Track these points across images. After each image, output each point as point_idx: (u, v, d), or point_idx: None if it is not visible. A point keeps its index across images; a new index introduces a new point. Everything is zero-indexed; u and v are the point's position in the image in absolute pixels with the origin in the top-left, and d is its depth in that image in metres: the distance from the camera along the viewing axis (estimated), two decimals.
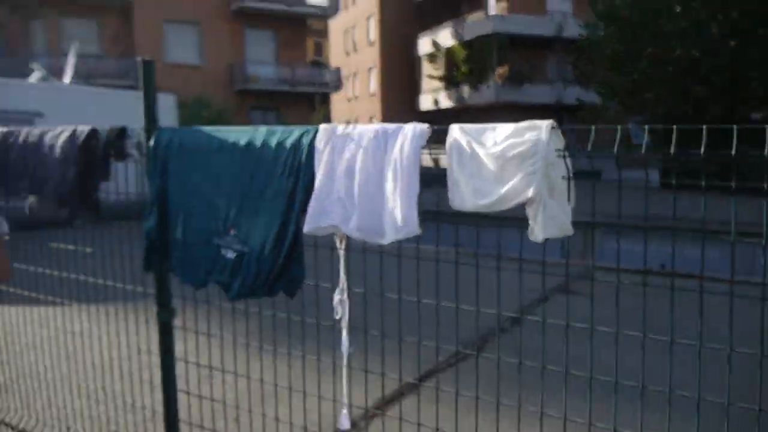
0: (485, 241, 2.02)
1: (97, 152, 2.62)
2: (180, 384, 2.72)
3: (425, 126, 1.89)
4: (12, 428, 3.48)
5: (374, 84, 43.47)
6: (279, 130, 2.19)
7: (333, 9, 33.18)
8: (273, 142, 2.17)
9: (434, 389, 2.20)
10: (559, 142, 1.69)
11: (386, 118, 40.66)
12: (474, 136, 1.78)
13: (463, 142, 1.78)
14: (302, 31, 32.98)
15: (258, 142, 2.20)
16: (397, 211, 1.86)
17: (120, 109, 15.14)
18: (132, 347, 3.04)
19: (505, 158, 1.69)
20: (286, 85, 30.91)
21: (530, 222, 1.66)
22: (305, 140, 2.10)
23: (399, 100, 41.14)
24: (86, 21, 28.57)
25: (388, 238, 1.88)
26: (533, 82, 34.91)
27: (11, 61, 27.80)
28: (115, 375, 3.31)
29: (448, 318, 2.08)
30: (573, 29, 30.86)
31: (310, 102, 32.96)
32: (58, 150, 2.72)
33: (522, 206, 1.68)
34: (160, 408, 2.74)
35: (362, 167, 1.95)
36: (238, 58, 30.13)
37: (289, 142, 2.13)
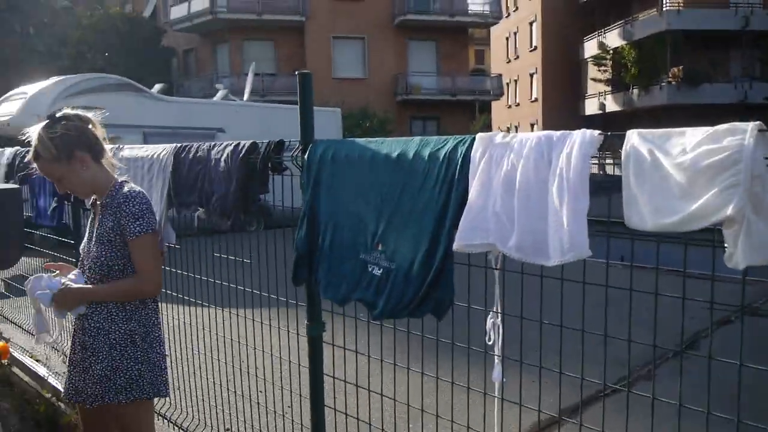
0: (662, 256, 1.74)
1: (256, 166, 2.67)
2: (326, 398, 2.69)
3: (596, 132, 1.66)
4: (177, 426, 3.69)
5: (536, 89, 42.30)
6: (432, 140, 2.06)
7: (495, 16, 32.80)
8: (425, 153, 2.04)
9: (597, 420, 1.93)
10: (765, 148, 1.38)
11: (548, 123, 39.41)
12: (657, 143, 1.51)
13: (644, 151, 1.52)
14: (464, 40, 32.99)
15: (410, 154, 2.09)
16: (564, 230, 1.64)
17: (290, 122, 16.19)
18: (283, 357, 3.06)
19: (695, 169, 1.42)
20: (447, 94, 31.08)
21: (727, 246, 1.37)
22: (460, 150, 1.95)
23: (561, 106, 39.63)
24: (264, 43, 30.84)
25: (554, 260, 1.67)
26: (712, 81, 31.91)
27: (200, 81, 30.86)
28: (267, 382, 3.38)
29: (616, 345, 1.82)
30: (761, 21, 27.83)
31: (471, 110, 32.86)
32: (222, 164, 2.81)
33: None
34: (307, 420, 2.73)
35: (523, 179, 1.75)
36: (401, 69, 30.81)
37: (442, 153, 1.99)
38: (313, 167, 2.42)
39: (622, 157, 1.56)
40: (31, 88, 13.11)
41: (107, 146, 2.68)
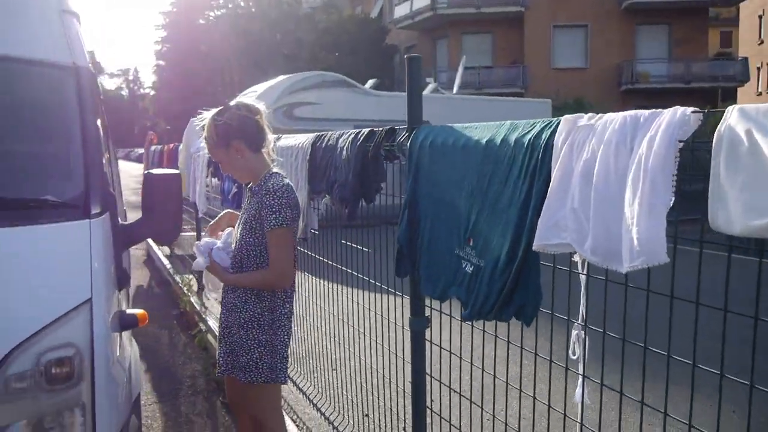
0: None
1: (373, 153, 2.62)
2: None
3: (688, 110, 1.31)
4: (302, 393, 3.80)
5: None
6: (521, 124, 1.82)
7: None
8: (512, 138, 1.81)
9: None
10: None
11: None
12: (760, 121, 1.15)
13: (741, 132, 1.17)
14: (702, 21, 29.59)
15: (498, 140, 1.87)
16: (635, 229, 1.33)
17: (501, 114, 15.95)
18: (386, 350, 2.99)
19: None
20: (679, 81, 28.19)
21: None
22: (544, 135, 1.69)
23: None
24: (482, 35, 30.80)
25: (625, 265, 1.36)
26: None
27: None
28: (373, 370, 3.35)
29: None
30: None
31: (710, 99, 29.40)
32: (344, 153, 2.81)
33: None
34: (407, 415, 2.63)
35: (601, 169, 1.46)
36: (627, 56, 28.65)
37: (527, 139, 1.75)
38: (414, 154, 2.30)
39: (714, 140, 1.21)
40: (260, 87, 14.60)
41: (270, 137, 2.82)
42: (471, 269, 1.96)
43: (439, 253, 2.14)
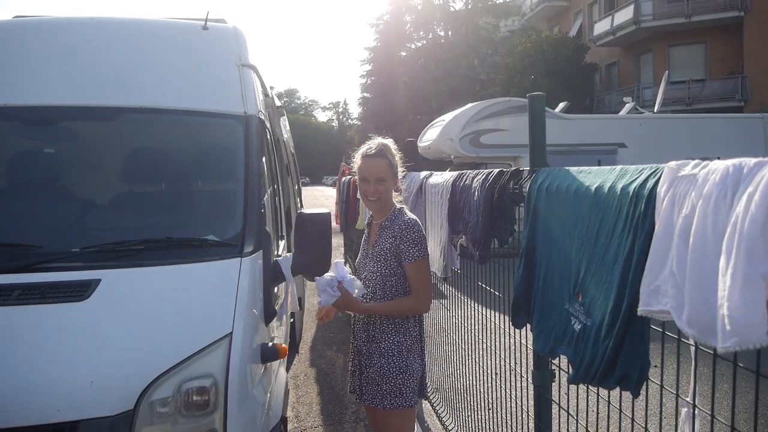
0: None
1: (498, 196, 2.53)
2: None
3: None
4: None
5: None
6: (630, 171, 1.63)
7: None
8: (619, 186, 1.63)
9: None
10: None
11: None
12: None
13: None
14: None
15: (606, 188, 1.69)
16: (726, 304, 1.12)
17: (707, 135, 14.45)
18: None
19: None
20: None
21: None
22: (649, 184, 1.50)
23: None
24: (693, 47, 28.32)
25: (721, 343, 1.15)
26: None
27: (621, 94, 30.08)
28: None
29: None
30: None
31: None
32: (476, 194, 2.75)
33: None
34: None
35: (699, 227, 1.25)
36: None
37: (632, 188, 1.56)
38: (532, 199, 2.17)
39: None
40: (448, 116, 14.86)
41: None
42: (579, 327, 1.79)
43: (551, 307, 2.00)
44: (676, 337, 1.53)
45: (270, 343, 2.91)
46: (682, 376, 1.54)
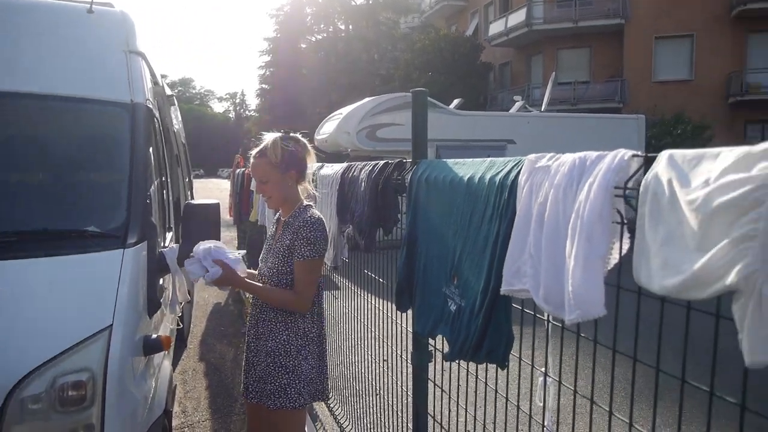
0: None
1: (383, 187, 2.62)
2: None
3: (628, 154, 1.22)
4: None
5: None
6: (497, 163, 1.76)
7: None
8: (487, 177, 1.76)
9: None
10: None
11: None
12: (681, 170, 1.05)
13: (663, 180, 1.07)
14: None
15: (476, 178, 1.82)
16: (570, 281, 1.25)
17: (587, 133, 15.41)
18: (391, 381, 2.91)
19: (707, 210, 0.95)
20: None
21: (738, 328, 0.89)
22: (512, 175, 1.63)
23: None
24: (579, 50, 29.96)
25: (567, 316, 1.28)
26: None
27: (513, 93, 31.36)
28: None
29: None
30: None
31: None
32: (362, 184, 2.83)
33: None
34: None
35: (551, 214, 1.38)
36: (736, 67, 26.87)
37: (498, 178, 1.69)
38: (413, 189, 2.27)
39: (641, 189, 1.12)
40: (345, 110, 14.94)
41: (311, 173, 2.98)
42: (454, 308, 1.91)
43: (430, 290, 2.11)
44: (532, 313, 1.66)
45: (153, 336, 2.85)
46: (543, 349, 1.67)
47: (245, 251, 3.01)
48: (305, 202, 2.90)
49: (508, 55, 33.21)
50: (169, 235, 4.18)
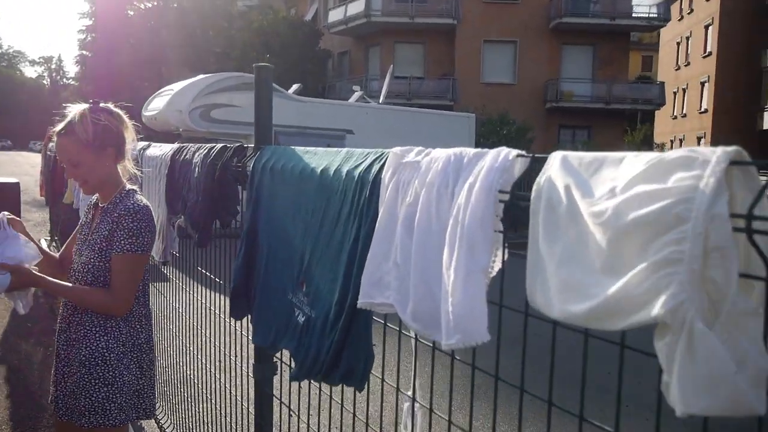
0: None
1: (220, 174, 2.31)
2: None
3: (513, 153, 1.08)
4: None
5: (706, 100, 38.25)
6: (356, 154, 1.56)
7: (662, 19, 30.12)
8: (344, 170, 1.55)
9: None
10: (745, 198, 0.75)
11: (717, 138, 35.53)
12: (579, 176, 0.92)
13: (560, 187, 0.93)
14: (624, 46, 30.66)
15: (331, 170, 1.60)
16: (450, 300, 1.09)
17: (424, 126, 15.89)
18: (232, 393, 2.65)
19: (621, 225, 0.82)
20: (601, 102, 29.08)
21: (663, 369, 0.77)
22: (374, 169, 1.43)
23: (735, 118, 35.47)
24: (415, 46, 30.87)
25: (445, 340, 1.11)
26: None
27: (351, 83, 31.60)
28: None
29: None
30: None
31: (630, 120, 30.48)
32: (196, 170, 2.49)
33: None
34: None
35: (422, 217, 1.21)
36: (553, 75, 29.35)
37: (357, 172, 1.49)
38: (255, 179, 2.00)
39: (532, 195, 0.98)
40: (177, 85, 13.97)
41: (129, 148, 2.53)
42: (303, 319, 1.68)
43: (273, 296, 1.85)
44: (397, 329, 1.48)
45: None
46: (408, 370, 1.51)
47: (48, 239, 2.53)
48: (128, 186, 2.48)
49: (347, 44, 33.35)
50: None
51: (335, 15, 31.81)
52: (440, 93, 29.59)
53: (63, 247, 2.78)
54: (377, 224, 1.33)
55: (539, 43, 29.36)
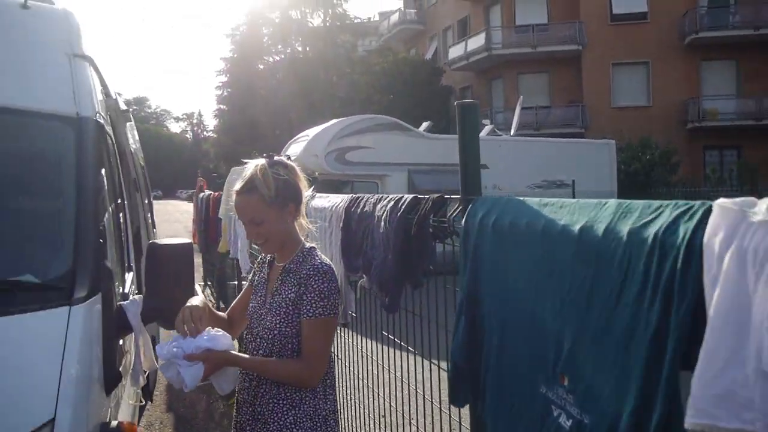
0: None
1: (417, 231, 2.02)
2: None
3: None
4: None
5: None
6: (637, 208, 1.18)
7: None
8: (623, 229, 1.18)
9: None
10: None
11: None
12: None
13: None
14: None
15: (599, 229, 1.24)
16: None
17: (560, 157, 15.16)
18: None
19: None
20: (750, 119, 26.65)
21: None
22: (684, 231, 1.06)
23: None
24: (538, 75, 30.20)
25: None
26: None
27: None
28: None
29: None
30: None
31: None
32: (382, 224, 2.23)
33: None
34: None
35: None
36: (692, 94, 27.38)
37: (651, 232, 1.11)
38: (470, 237, 1.68)
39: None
40: (312, 131, 14.33)
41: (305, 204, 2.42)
42: (569, 423, 1.30)
43: (515, 386, 1.49)
44: None
45: (114, 423, 2.19)
46: None
47: (202, 284, 2.39)
48: (307, 244, 2.32)
49: (469, 79, 33.28)
50: (129, 278, 3.49)
51: (455, 51, 31.91)
52: (569, 121, 28.59)
53: (230, 308, 2.64)
54: (712, 311, 0.95)
55: (674, 61, 27.60)
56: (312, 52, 42.40)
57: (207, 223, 9.04)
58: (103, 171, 2.73)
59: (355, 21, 45.48)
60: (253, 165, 2.26)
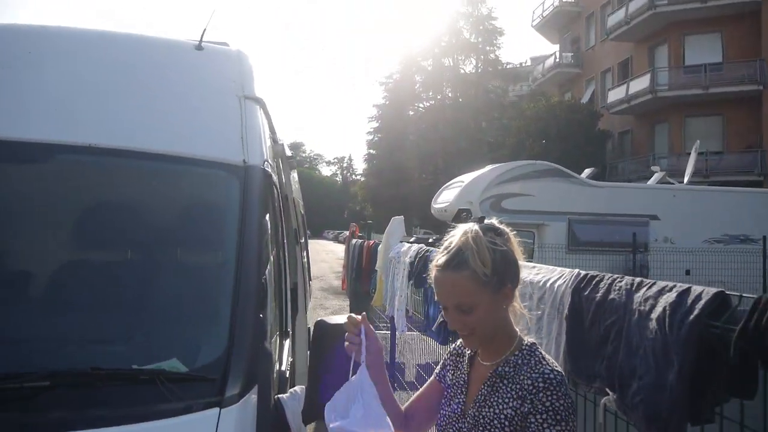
0: None
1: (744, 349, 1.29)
2: None
3: None
4: None
5: None
6: None
7: None
8: None
9: None
10: None
11: None
12: None
13: None
14: None
15: None
16: None
17: (745, 209, 13.31)
18: None
19: None
20: None
21: None
22: None
23: None
24: (710, 118, 27.71)
25: None
26: None
27: (634, 163, 29.28)
28: None
29: None
30: None
31: None
32: (652, 324, 1.51)
33: None
34: None
35: None
36: None
37: None
38: None
39: None
40: (467, 176, 13.77)
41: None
42: None
43: None
44: None
45: None
46: None
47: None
48: (526, 338, 1.70)
49: (629, 122, 31.33)
50: (286, 345, 3.02)
51: (616, 94, 30.23)
52: (745, 167, 25.75)
53: (410, 402, 2.03)
54: None
55: None
56: (463, 98, 42.38)
57: (359, 272, 8.69)
58: (268, 227, 2.29)
59: (507, 66, 44.94)
60: (461, 231, 1.68)
